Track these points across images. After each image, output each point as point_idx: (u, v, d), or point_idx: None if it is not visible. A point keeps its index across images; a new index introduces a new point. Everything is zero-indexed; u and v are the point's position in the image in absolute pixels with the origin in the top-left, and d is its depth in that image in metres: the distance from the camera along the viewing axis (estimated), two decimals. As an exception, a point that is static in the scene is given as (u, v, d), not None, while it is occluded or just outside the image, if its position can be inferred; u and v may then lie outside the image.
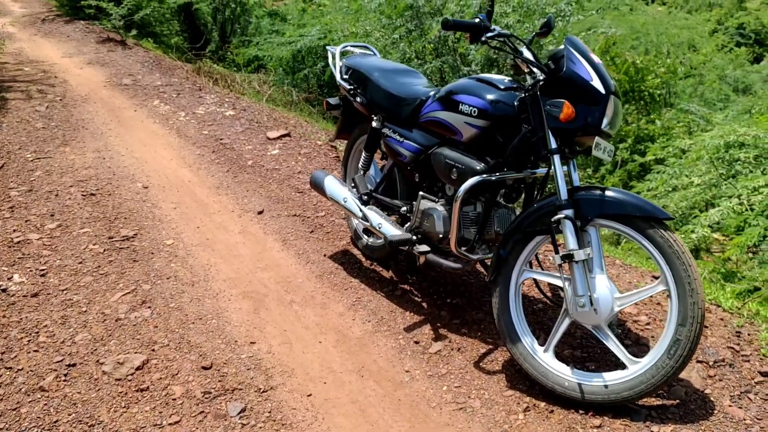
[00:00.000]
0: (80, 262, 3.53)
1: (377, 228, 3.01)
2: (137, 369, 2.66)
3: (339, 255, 3.64)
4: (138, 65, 8.45)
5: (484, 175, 2.45)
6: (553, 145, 2.28)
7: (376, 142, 3.22)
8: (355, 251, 3.66)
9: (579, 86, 2.20)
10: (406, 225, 2.93)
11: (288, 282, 3.38)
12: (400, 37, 8.07)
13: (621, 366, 2.27)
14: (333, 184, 3.32)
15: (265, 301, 3.20)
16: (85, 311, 3.09)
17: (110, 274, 3.41)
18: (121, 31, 10.04)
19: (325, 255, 3.64)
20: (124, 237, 3.82)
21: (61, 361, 2.73)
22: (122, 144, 5.45)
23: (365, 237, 3.55)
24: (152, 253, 3.66)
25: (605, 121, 2.20)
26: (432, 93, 2.85)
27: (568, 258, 2.20)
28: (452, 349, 2.75)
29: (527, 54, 2.36)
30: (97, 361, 2.73)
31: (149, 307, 3.12)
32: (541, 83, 2.31)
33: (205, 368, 2.68)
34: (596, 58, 2.26)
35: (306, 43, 10.00)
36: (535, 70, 2.34)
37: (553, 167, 2.28)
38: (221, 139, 5.59)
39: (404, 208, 3.00)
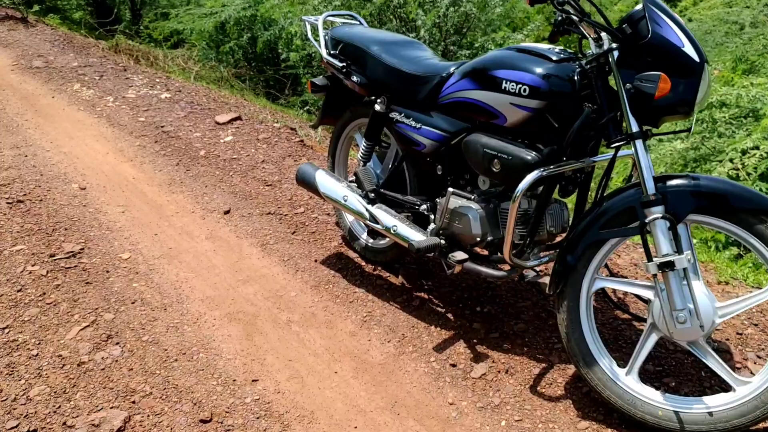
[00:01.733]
0: (19, 290, 2.89)
1: (392, 231, 2.54)
2: (119, 431, 2.12)
3: (333, 259, 3.15)
4: (47, 45, 7.52)
5: (543, 168, 2.02)
6: (635, 127, 1.88)
7: (379, 128, 2.73)
8: (351, 254, 3.19)
9: (670, 54, 1.80)
10: (430, 227, 2.47)
11: (279, 297, 2.87)
12: (342, 4, 7.50)
13: (723, 387, 1.92)
14: (327, 181, 2.82)
15: (256, 323, 2.69)
16: (37, 355, 2.49)
17: (60, 303, 2.81)
18: (21, 7, 8.97)
19: (316, 260, 3.14)
20: (69, 253, 3.19)
21: (16, 427, 2.15)
22: (44, 138, 4.70)
23: (364, 237, 3.07)
24: (107, 272, 3.06)
25: (699, 96, 1.81)
26: (453, 68, 2.39)
27: (668, 266, 1.81)
28: (499, 372, 2.34)
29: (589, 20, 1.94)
30: (64, 423, 2.17)
31: (117, 343, 2.56)
32: (616, 52, 1.89)
33: (204, 421, 2.17)
34: (679, 18, 1.86)
35: (231, 13, 9.27)
36: (604, 36, 1.92)
37: (635, 155, 1.88)
38: (162, 127, 4.92)
39: (423, 207, 2.54)
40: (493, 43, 7.72)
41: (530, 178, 2.00)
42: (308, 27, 3.05)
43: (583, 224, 2.00)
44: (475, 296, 2.79)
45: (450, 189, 2.34)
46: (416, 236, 2.47)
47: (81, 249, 3.24)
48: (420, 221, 2.62)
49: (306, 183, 2.91)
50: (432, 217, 2.54)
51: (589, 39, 1.99)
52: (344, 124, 3.05)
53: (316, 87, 2.97)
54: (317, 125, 3.20)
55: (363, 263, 3.10)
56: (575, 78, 2.02)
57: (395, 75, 2.54)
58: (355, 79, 2.71)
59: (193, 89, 6.13)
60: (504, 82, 2.10)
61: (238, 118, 4.98)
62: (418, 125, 2.46)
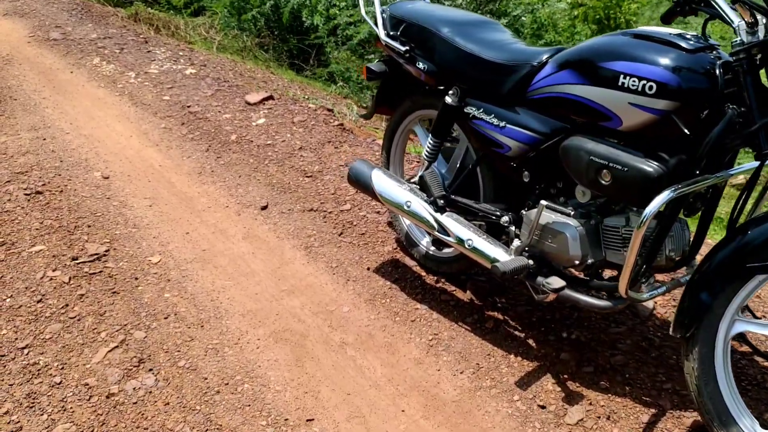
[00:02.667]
0: (39, 300, 2.58)
1: (466, 246, 2.18)
2: (157, 487, 1.81)
3: (388, 267, 2.80)
4: (64, 14, 7.14)
5: (674, 186, 1.64)
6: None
7: (449, 123, 2.35)
8: (409, 261, 2.83)
9: None
10: (514, 245, 2.10)
11: (329, 312, 2.53)
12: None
13: None
14: (386, 182, 2.46)
15: (306, 344, 2.36)
16: (60, 383, 2.18)
17: (85, 317, 2.49)
18: (38, -28, 8.56)
19: (368, 268, 2.79)
20: (93, 256, 2.87)
21: (37, 478, 1.85)
22: (64, 118, 4.36)
23: (424, 244, 2.72)
24: (135, 279, 2.74)
25: None
26: (545, 56, 1.99)
27: None
28: (599, 418, 1.99)
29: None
30: (93, 474, 1.85)
31: (150, 370, 2.24)
32: None
33: (255, 474, 1.85)
34: None
35: (252, -22, 8.81)
36: (762, 20, 1.52)
37: None
38: (189, 107, 4.55)
39: (504, 218, 2.17)
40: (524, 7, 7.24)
41: (661, 198, 1.62)
42: (360, 1, 2.66)
43: (723, 254, 1.63)
44: (558, 318, 2.43)
45: (543, 202, 1.96)
46: (499, 254, 2.10)
47: (106, 251, 2.91)
48: (493, 231, 2.25)
49: (360, 184, 2.55)
50: (512, 230, 2.18)
51: (733, 23, 1.59)
52: (402, 116, 2.67)
53: (372, 74, 2.59)
54: (370, 115, 2.82)
55: (423, 273, 2.74)
56: (716, 73, 1.62)
57: (473, 63, 2.15)
58: (420, 65, 2.33)
59: (217, 63, 5.74)
60: (622, 76, 1.71)
61: (270, 97, 4.60)
62: (502, 123, 2.08)
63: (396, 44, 2.40)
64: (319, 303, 2.59)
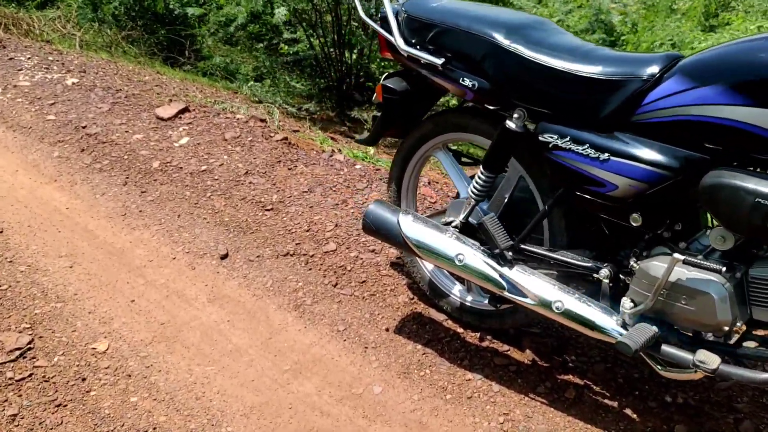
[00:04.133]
0: (-53, 435, 1.82)
1: (554, 309, 1.73)
2: None
3: (411, 325, 2.29)
4: None
5: None
6: None
7: (508, 153, 1.87)
8: (436, 314, 2.33)
9: None
10: (628, 308, 1.66)
11: (357, 395, 1.99)
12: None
13: None
14: (423, 230, 1.94)
15: (345, 449, 1.81)
16: None
17: (25, 454, 1.78)
18: None
19: (387, 329, 2.27)
20: (14, 352, 2.12)
21: None
22: None
23: (457, 293, 2.23)
24: (83, 380, 2.04)
25: None
26: (658, 67, 1.56)
27: None
28: None
29: None
30: None
31: None
32: None
33: None
34: None
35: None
36: None
37: None
38: (84, 127, 3.71)
39: (604, 272, 1.73)
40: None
41: None
42: (357, 2, 2.10)
43: None
44: (647, 376, 2.04)
45: (678, 255, 1.53)
46: (603, 319, 1.67)
47: (30, 342, 2.16)
48: (566, 279, 1.82)
49: (383, 233, 2.01)
50: (606, 284, 1.75)
51: None
52: (421, 140, 2.16)
53: (392, 93, 2.05)
54: (374, 140, 2.27)
55: (459, 329, 2.26)
56: None
57: (552, 78, 1.68)
58: (467, 82, 1.83)
59: (98, 67, 4.85)
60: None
61: (186, 109, 3.86)
62: (603, 156, 1.62)
63: (425, 55, 1.88)
64: (339, 384, 2.04)
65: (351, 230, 2.75)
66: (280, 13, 5.72)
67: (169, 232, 2.80)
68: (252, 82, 6.16)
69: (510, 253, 1.84)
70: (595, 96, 1.63)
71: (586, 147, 1.65)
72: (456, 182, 2.14)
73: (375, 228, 2.02)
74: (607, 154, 1.61)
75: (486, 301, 2.17)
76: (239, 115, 3.80)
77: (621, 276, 1.72)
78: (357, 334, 2.24)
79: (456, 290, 2.24)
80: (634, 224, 1.65)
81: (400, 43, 1.93)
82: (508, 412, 1.92)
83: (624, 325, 1.66)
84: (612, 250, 1.76)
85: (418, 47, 1.91)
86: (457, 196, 2.21)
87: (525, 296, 1.79)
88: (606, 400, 1.95)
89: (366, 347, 2.18)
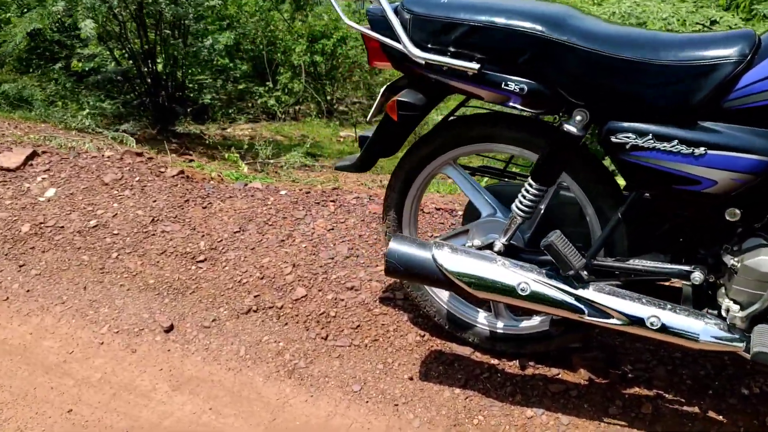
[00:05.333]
0: None
1: (649, 326, 1.53)
2: None
3: (437, 368, 1.96)
4: None
5: None
6: None
7: (564, 162, 1.63)
8: (459, 348, 2.03)
9: None
10: (737, 314, 1.51)
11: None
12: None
13: None
14: (472, 263, 1.63)
15: None
16: None
17: None
18: None
19: (410, 377, 1.93)
20: None
21: None
22: None
23: (484, 322, 1.97)
24: None
25: None
26: (747, 46, 1.41)
27: None
28: None
29: None
30: None
31: None
32: None
33: None
34: None
35: None
36: None
37: None
38: None
39: (697, 275, 1.56)
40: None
41: None
42: (337, 7, 1.75)
43: None
44: (712, 372, 1.91)
45: None
46: (716, 331, 1.51)
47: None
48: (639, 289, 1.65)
49: (415, 272, 1.67)
50: (690, 289, 1.60)
51: None
52: (428, 158, 1.84)
53: (410, 108, 1.69)
54: (366, 166, 1.89)
55: (491, 359, 1.98)
56: None
57: (627, 71, 1.46)
58: (512, 87, 1.55)
59: None
60: None
61: (35, 153, 3.13)
62: (698, 151, 1.44)
63: (454, 61, 1.57)
64: (384, 461, 1.68)
65: (314, 268, 2.35)
66: (88, 26, 4.96)
67: (80, 311, 2.20)
68: (56, 107, 5.37)
69: (585, 273, 1.60)
70: (681, 85, 1.45)
71: (674, 143, 1.46)
72: (475, 200, 1.86)
73: (404, 269, 1.68)
74: (703, 149, 1.44)
75: (522, 324, 1.93)
76: (109, 153, 3.17)
77: (711, 278, 1.57)
78: (378, 391, 1.88)
79: (482, 318, 1.97)
80: (730, 219, 1.50)
81: (412, 49, 1.61)
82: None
83: (732, 330, 1.51)
84: (692, 250, 1.61)
85: (437, 52, 1.60)
86: (467, 216, 1.94)
87: (610, 317, 1.57)
88: (685, 407, 1.80)
89: (396, 404, 1.83)
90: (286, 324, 2.13)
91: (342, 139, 6.90)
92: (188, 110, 6.67)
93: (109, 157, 3.12)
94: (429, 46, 1.61)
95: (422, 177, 1.89)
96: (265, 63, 7.74)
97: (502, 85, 1.57)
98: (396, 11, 1.65)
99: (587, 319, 1.58)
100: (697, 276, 1.55)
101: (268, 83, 7.64)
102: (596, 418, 1.77)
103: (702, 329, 1.51)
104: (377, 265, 2.38)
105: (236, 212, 2.68)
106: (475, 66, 1.56)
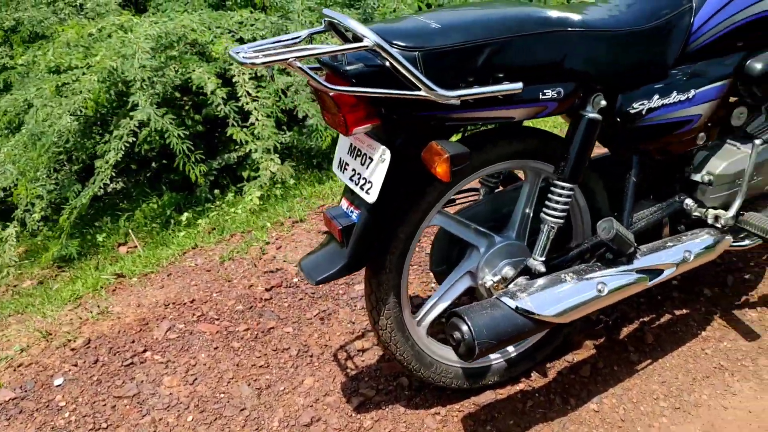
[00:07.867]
0: None
1: (686, 260, 1.79)
2: None
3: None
4: None
5: None
6: None
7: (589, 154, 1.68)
8: (481, 399, 1.90)
9: None
10: (721, 213, 1.89)
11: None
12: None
13: None
14: (546, 294, 1.58)
15: None
16: None
17: None
18: None
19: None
20: None
21: None
22: None
23: (498, 355, 1.90)
24: None
25: None
26: None
27: None
28: None
29: None
30: None
31: None
32: None
33: None
34: None
35: None
36: None
37: None
38: None
39: (688, 201, 1.93)
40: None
41: None
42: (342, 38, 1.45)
43: None
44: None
45: (756, 140, 1.86)
46: (719, 236, 1.89)
47: None
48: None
49: (505, 336, 1.50)
50: (696, 211, 1.92)
51: None
52: (434, 201, 1.62)
53: (461, 159, 1.39)
54: (358, 263, 1.59)
55: (518, 385, 1.94)
56: None
57: (626, 44, 1.61)
58: (549, 94, 1.51)
59: None
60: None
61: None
62: (690, 94, 1.73)
63: (495, 88, 1.40)
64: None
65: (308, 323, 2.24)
66: None
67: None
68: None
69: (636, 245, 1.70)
70: (661, 44, 1.68)
71: (674, 94, 1.70)
72: (466, 236, 1.75)
73: (495, 339, 1.48)
74: (691, 90, 1.72)
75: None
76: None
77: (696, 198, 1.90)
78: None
79: (494, 354, 1.87)
80: (700, 143, 1.83)
81: (442, 91, 1.31)
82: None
83: (726, 228, 1.84)
84: (672, 185, 1.93)
85: (464, 85, 1.40)
86: (441, 258, 1.87)
87: (663, 272, 1.74)
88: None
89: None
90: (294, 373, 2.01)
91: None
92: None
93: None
94: (448, 81, 1.36)
95: (425, 223, 1.65)
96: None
97: (540, 96, 1.50)
98: (373, 54, 1.32)
99: (650, 283, 1.71)
100: (689, 202, 1.89)
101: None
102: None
103: (713, 241, 1.83)
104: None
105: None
106: (519, 85, 1.42)
